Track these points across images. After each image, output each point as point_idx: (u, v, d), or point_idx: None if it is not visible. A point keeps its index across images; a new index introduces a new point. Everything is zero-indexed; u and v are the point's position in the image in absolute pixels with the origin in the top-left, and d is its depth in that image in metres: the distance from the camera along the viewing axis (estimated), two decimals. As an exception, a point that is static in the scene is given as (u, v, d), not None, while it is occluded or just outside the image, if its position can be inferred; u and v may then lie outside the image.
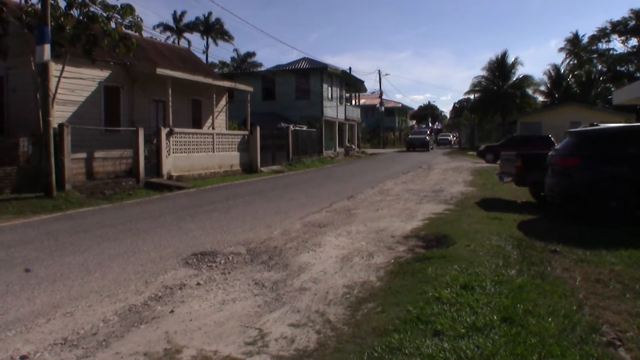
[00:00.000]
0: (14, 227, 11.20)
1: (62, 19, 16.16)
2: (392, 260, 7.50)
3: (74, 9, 16.45)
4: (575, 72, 61.35)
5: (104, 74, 20.38)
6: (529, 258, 7.17)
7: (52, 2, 15.50)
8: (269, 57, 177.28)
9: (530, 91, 60.51)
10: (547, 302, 5.22)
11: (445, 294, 5.39)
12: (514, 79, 59.71)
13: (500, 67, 59.83)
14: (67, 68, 17.01)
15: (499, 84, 59.64)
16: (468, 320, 4.70)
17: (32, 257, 8.10)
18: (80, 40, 16.49)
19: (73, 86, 18.68)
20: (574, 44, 61.68)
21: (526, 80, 59.43)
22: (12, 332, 4.97)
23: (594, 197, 10.14)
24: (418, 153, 49.55)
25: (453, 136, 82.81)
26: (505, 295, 5.41)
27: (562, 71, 61.11)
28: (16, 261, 7.82)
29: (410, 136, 61.12)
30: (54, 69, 15.75)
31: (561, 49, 63.33)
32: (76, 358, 4.38)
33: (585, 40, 60.89)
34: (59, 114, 17.20)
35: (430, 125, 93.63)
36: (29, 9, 16.32)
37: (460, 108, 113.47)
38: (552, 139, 29.70)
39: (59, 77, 16.45)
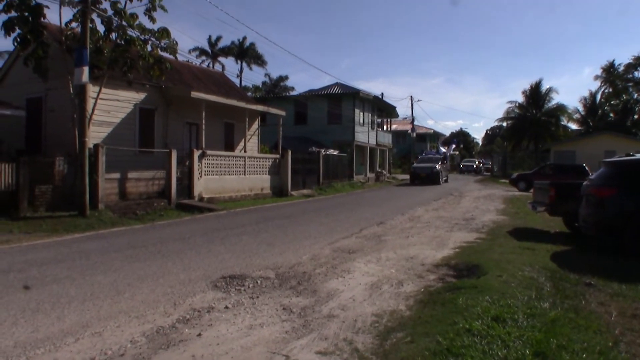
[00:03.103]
0: (48, 245, 11.38)
1: (100, 42, 16.59)
2: (422, 289, 7.39)
3: (113, 33, 16.84)
4: (612, 102, 60.57)
5: (140, 96, 20.73)
6: (563, 291, 7.01)
7: (92, 26, 15.91)
8: (301, 82, 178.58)
9: (564, 119, 59.96)
10: (582, 338, 5.08)
11: (476, 326, 5.28)
12: (548, 107, 59.23)
13: (535, 95, 59.49)
14: (104, 90, 17.35)
15: (533, 111, 59.21)
16: (499, 354, 4.59)
17: (63, 275, 8.19)
18: (117, 63, 16.86)
19: (109, 107, 19.04)
20: (609, 72, 60.95)
21: (560, 108, 58.91)
22: (41, 350, 5.00)
23: (629, 229, 9.89)
24: (449, 181, 46.11)
25: (479, 162, 77.98)
26: (538, 328, 5.28)
27: (597, 99, 60.40)
28: (48, 279, 7.91)
29: (414, 164, 45.06)
30: (91, 90, 16.10)
31: (597, 77, 62.69)
32: (103, 379, 4.38)
33: (621, 68, 60.19)
34: (95, 135, 17.52)
35: (443, 149, 65.01)
36: (69, 32, 16.76)
37: (492, 135, 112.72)
38: (587, 168, 29.25)
39: (96, 99, 16.78)
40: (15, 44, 15.94)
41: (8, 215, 14.47)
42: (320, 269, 8.76)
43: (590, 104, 59.82)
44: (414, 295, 7.10)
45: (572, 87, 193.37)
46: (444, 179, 42.30)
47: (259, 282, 7.83)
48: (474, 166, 73.18)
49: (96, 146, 16.16)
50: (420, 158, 48.03)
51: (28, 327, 5.66)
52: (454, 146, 75.06)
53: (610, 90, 60.84)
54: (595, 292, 7.01)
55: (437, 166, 40.82)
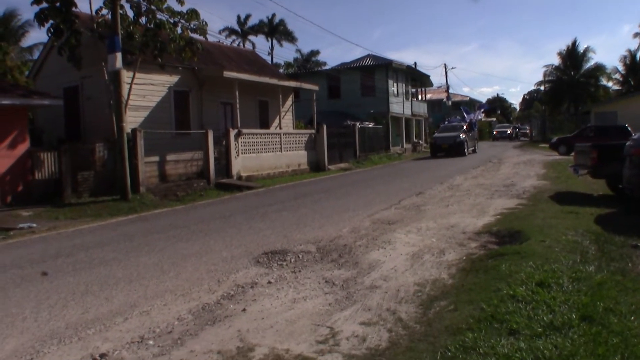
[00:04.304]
0: (93, 229, 11.65)
1: (131, 27, 16.71)
2: (464, 257, 7.35)
3: (142, 17, 16.96)
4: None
5: (173, 79, 20.89)
6: (608, 254, 6.87)
7: (122, 12, 16.03)
8: (333, 56, 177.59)
9: (603, 80, 58.40)
10: (629, 300, 4.97)
11: (520, 292, 5.23)
12: (586, 68, 57.82)
13: (571, 56, 58.10)
14: (137, 75, 17.53)
15: (571, 73, 57.89)
16: (545, 319, 4.54)
17: (109, 258, 8.38)
18: (149, 47, 17.00)
19: (144, 92, 19.24)
20: (649, 29, 58.91)
21: (599, 68, 57.43)
22: (91, 331, 5.14)
23: (677, 188, 9.62)
24: (486, 148, 45.42)
25: (514, 127, 73.51)
26: (584, 292, 5.20)
27: (638, 58, 58.47)
28: (95, 262, 8.11)
29: (435, 134, 40.07)
30: (126, 76, 16.27)
31: (636, 35, 60.47)
32: (152, 356, 4.48)
33: (662, 24, 58.10)
34: (132, 119, 17.76)
35: (467, 116, 47.22)
36: (100, 19, 16.96)
37: (530, 100, 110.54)
38: (629, 128, 28.47)
39: (131, 84, 16.98)
40: (49, 34, 16.19)
41: (53, 203, 14.83)
42: (360, 241, 8.77)
43: (631, 62, 57.84)
44: (456, 263, 7.07)
45: (611, 46, 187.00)
46: (470, 149, 36.91)
47: (300, 256, 7.88)
48: (508, 132, 68.46)
49: (134, 131, 16.40)
50: (442, 126, 41.64)
51: (78, 309, 5.83)
52: (481, 111, 65.19)
53: (652, 47, 58.84)
54: (643, 254, 6.86)
55: (461, 135, 35.15)
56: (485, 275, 6.15)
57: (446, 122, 45.09)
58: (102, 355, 4.51)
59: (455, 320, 4.76)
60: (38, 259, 8.60)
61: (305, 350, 4.44)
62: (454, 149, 34.11)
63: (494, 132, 70.39)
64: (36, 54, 30.86)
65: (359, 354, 4.30)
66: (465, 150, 34.85)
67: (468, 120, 42.25)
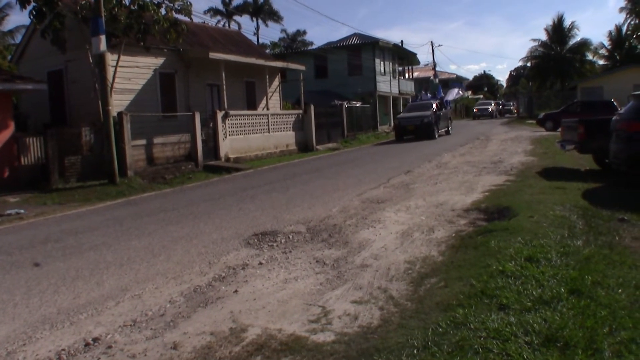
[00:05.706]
0: (81, 214, 11.61)
1: (115, 9, 16.49)
2: (453, 234, 7.39)
3: (126, -1, 16.77)
4: (638, 34, 58.62)
5: (159, 61, 20.70)
6: (596, 228, 6.94)
7: (105, -7, 15.81)
8: (319, 36, 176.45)
9: (589, 55, 58.49)
10: (617, 273, 5.04)
11: (509, 267, 5.28)
12: (572, 43, 57.87)
13: (558, 32, 58.04)
14: (122, 57, 17.37)
15: (557, 49, 57.87)
16: (534, 293, 4.59)
17: (99, 242, 8.36)
18: (133, 30, 16.82)
19: (129, 75, 19.06)
20: (635, 3, 58.63)
21: (585, 44, 57.50)
22: (83, 315, 5.14)
23: (662, 162, 9.70)
24: (474, 126, 45.53)
25: (496, 104, 67.32)
26: (572, 266, 5.26)
27: (623, 32, 58.46)
28: (84, 247, 8.09)
29: (401, 114, 34.51)
30: (110, 59, 16.11)
31: (622, 9, 60.35)
32: (145, 339, 4.49)
33: (647, -2, 57.93)
34: (118, 103, 17.60)
35: (440, 94, 46.10)
36: (83, 1, 16.70)
37: (517, 76, 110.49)
38: (615, 103, 28.60)
39: (116, 67, 16.82)
40: (32, 17, 15.94)
41: (41, 188, 14.74)
42: (350, 221, 8.80)
43: (616, 37, 57.87)
44: (445, 240, 7.11)
45: (597, 21, 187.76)
46: (442, 130, 32.07)
47: (290, 237, 7.90)
48: (490, 109, 61.22)
49: (120, 114, 16.27)
50: (409, 105, 36.96)
51: (69, 294, 5.82)
52: (456, 90, 59.73)
53: (637, 21, 58.76)
54: (629, 227, 6.93)
55: (429, 114, 30.04)
56: (475, 251, 6.20)
57: (417, 99, 41.75)
58: (95, 339, 4.52)
59: (446, 296, 4.81)
60: (27, 245, 8.57)
61: (297, 329, 4.47)
62: (422, 131, 29.58)
63: (474, 110, 64.35)
64: (18, 38, 30.47)
65: (351, 332, 4.33)
66: (435, 132, 29.96)
67: (439, 98, 39.60)
